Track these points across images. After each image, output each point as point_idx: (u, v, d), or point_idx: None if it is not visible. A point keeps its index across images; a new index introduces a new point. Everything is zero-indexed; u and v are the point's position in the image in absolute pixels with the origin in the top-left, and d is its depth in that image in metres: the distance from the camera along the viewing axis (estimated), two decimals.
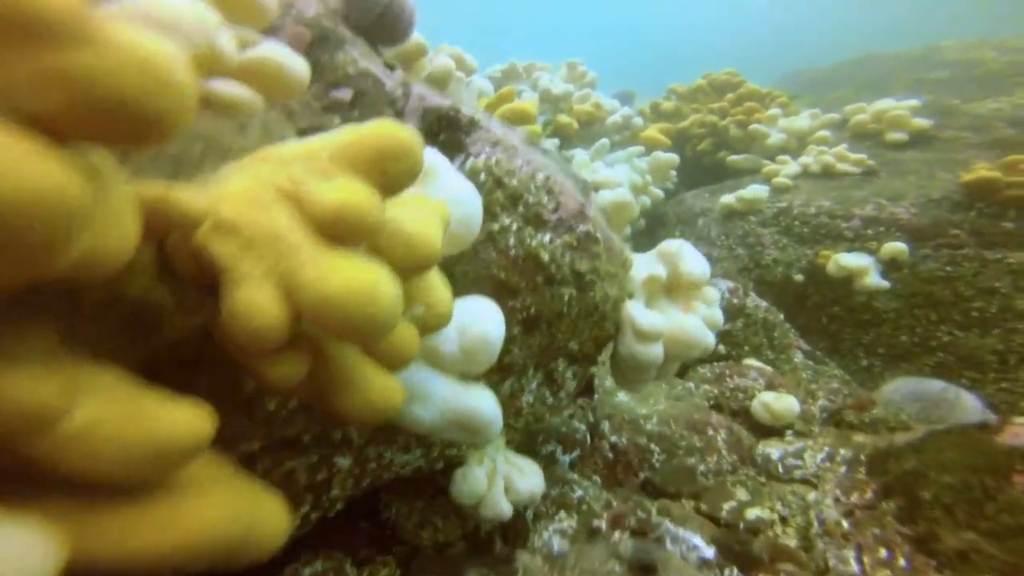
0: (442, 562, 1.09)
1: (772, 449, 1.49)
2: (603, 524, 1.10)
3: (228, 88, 0.56)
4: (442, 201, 0.63)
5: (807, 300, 2.29)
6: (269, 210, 0.43)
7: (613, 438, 1.43)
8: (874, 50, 8.46)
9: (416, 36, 1.58)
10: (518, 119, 1.62)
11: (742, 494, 1.34)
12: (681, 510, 1.33)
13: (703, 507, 1.36)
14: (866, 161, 2.59)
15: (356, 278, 0.42)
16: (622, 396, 1.56)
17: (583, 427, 1.57)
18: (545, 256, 0.92)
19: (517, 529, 1.20)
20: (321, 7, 1.16)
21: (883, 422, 1.71)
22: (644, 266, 1.09)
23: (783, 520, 1.31)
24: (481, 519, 1.03)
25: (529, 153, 1.01)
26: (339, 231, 0.44)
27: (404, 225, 0.54)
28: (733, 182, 2.95)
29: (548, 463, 1.47)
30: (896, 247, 2.06)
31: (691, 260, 1.06)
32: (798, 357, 2.01)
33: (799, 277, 2.26)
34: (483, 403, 0.77)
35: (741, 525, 1.25)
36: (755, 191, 2.49)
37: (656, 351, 1.04)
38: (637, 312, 1.04)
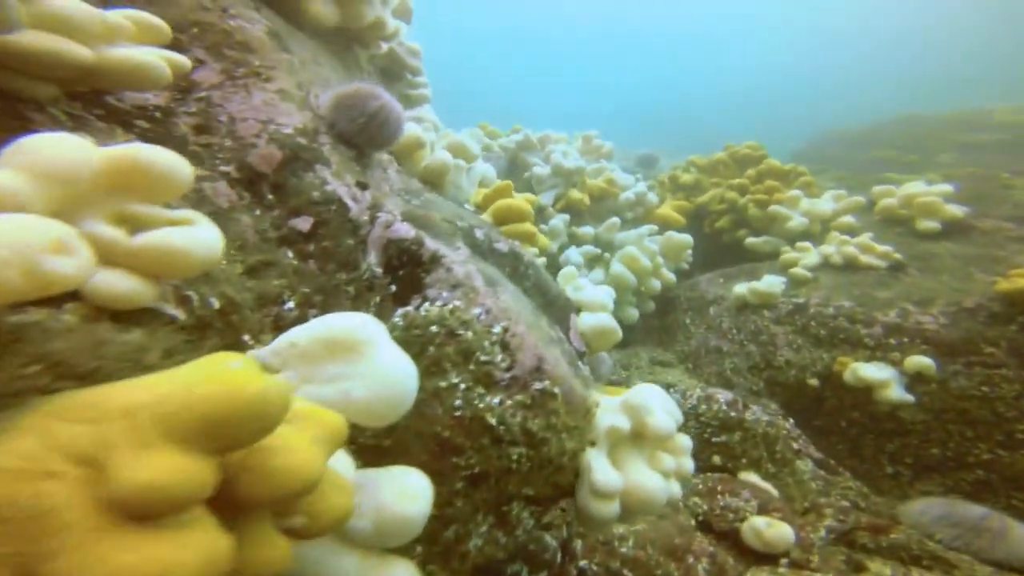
0: None
1: None
2: None
3: (106, 283, 0.52)
4: (337, 415, 0.57)
5: (824, 403, 2.11)
6: (45, 482, 0.36)
7: (583, 563, 1.29)
8: (914, 111, 8.23)
9: (413, 130, 1.58)
10: (513, 217, 1.58)
11: None
12: None
13: None
14: (893, 254, 2.43)
15: (131, 570, 0.35)
16: None
17: (554, 544, 1.42)
18: (492, 420, 0.84)
19: None
20: (306, 118, 1.15)
21: (904, 548, 1.50)
22: (609, 415, 0.99)
23: None
24: None
25: (491, 297, 0.94)
26: (142, 512, 0.38)
27: (272, 460, 0.48)
28: (750, 266, 2.82)
29: None
30: (922, 362, 1.88)
31: (658, 414, 0.95)
32: (808, 466, 1.82)
33: (814, 381, 2.09)
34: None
35: None
36: (770, 285, 2.35)
37: (611, 509, 0.93)
38: (596, 466, 0.94)
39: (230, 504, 0.48)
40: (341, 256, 0.95)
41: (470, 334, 0.87)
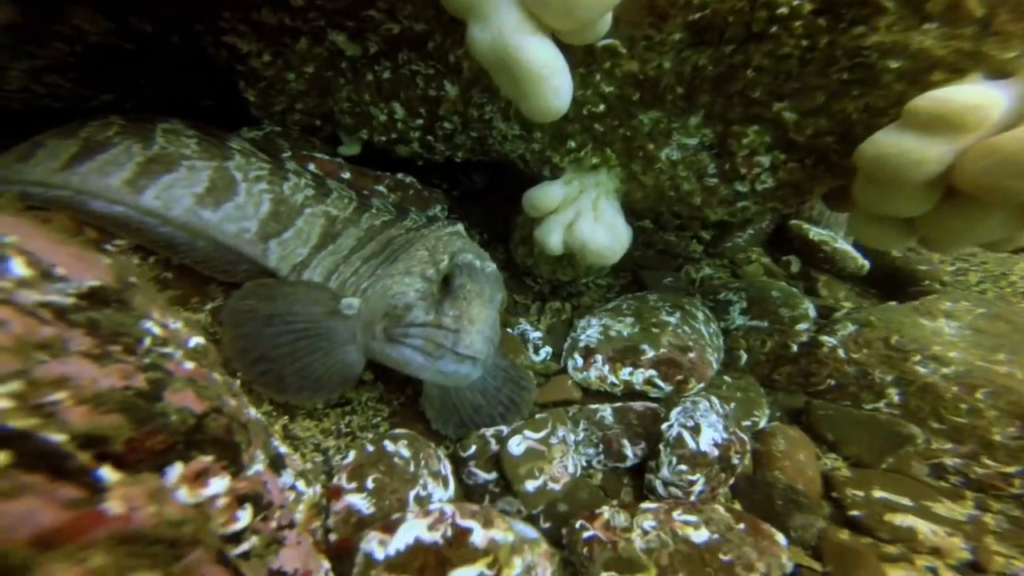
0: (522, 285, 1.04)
1: None
2: (650, 360, 0.73)
3: None
4: None
5: None
6: None
7: (831, 341, 0.88)
8: None
9: None
10: None
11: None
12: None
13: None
14: None
15: None
16: (946, 325, 0.89)
17: (810, 311, 1.00)
18: None
19: (579, 295, 1.04)
20: None
21: None
22: None
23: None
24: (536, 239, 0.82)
25: None
26: None
27: None
28: None
29: (720, 308, 1.09)
30: None
31: None
32: None
33: None
34: (533, 50, 0.57)
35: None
36: None
37: (928, 152, 0.52)
38: (953, 86, 0.52)
39: None
40: None
41: None
